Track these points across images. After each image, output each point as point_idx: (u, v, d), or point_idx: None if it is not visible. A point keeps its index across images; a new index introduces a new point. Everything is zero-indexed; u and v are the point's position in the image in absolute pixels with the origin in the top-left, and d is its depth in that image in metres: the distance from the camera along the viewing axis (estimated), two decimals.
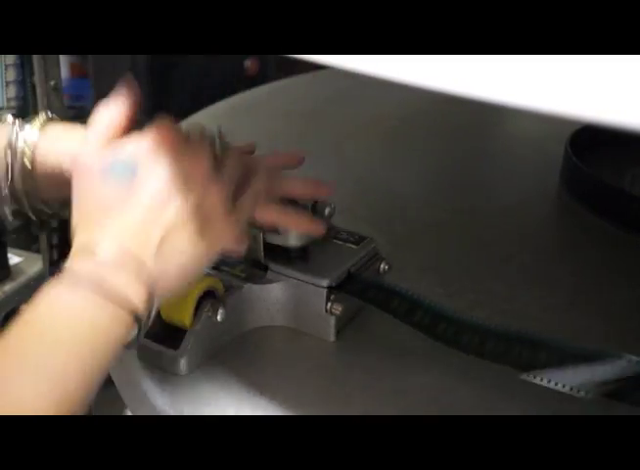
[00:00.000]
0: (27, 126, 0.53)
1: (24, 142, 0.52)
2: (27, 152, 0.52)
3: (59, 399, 0.40)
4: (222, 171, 0.49)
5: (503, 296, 0.70)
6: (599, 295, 0.71)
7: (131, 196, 0.46)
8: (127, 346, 0.45)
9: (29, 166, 0.52)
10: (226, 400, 0.55)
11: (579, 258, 0.78)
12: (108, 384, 0.48)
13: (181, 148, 0.48)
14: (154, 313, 0.46)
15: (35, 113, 0.95)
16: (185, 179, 0.47)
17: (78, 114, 1.49)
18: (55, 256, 1.01)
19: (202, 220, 0.47)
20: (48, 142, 0.53)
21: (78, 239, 0.45)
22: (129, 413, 0.62)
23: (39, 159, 0.52)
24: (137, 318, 0.43)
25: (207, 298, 0.58)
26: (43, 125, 0.54)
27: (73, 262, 0.44)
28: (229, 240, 0.50)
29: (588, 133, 0.92)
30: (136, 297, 0.44)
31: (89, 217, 0.46)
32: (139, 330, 0.45)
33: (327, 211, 0.63)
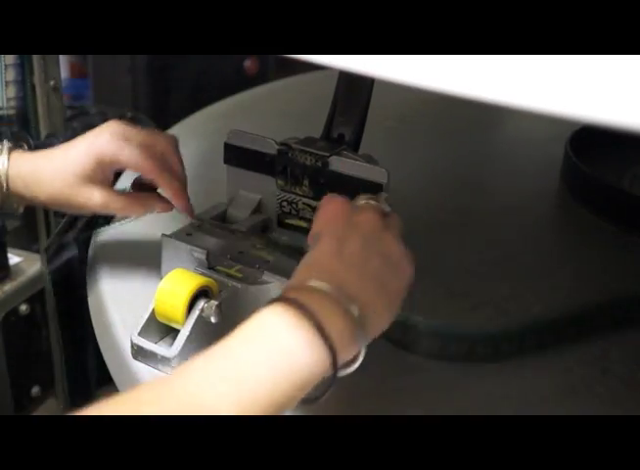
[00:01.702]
0: None
1: None
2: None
3: (243, 410, 0.42)
4: (390, 223, 0.54)
5: (504, 296, 0.70)
6: (600, 294, 0.71)
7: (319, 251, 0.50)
8: (315, 394, 0.46)
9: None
10: None
11: (580, 258, 0.78)
12: (108, 383, 0.48)
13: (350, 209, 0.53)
14: (352, 369, 0.47)
15: (35, 113, 0.96)
16: (372, 239, 0.50)
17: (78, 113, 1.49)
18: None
19: (394, 269, 0.50)
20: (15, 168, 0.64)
21: (303, 276, 0.47)
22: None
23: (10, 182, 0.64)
24: (334, 364, 0.44)
25: (202, 297, 0.58)
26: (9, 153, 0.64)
27: (289, 293, 0.45)
28: (411, 276, 0.52)
29: (588, 133, 0.92)
30: (340, 342, 0.44)
31: (318, 262, 0.49)
32: (333, 378, 0.45)
33: None
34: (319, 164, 0.65)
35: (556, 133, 0.93)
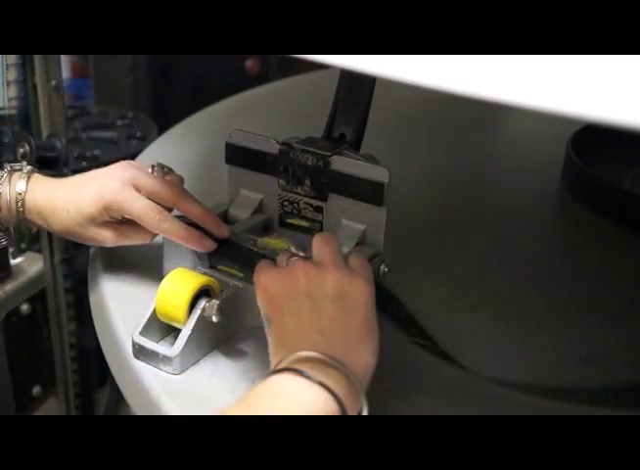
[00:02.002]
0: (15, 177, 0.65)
1: (15, 192, 0.65)
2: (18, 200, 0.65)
3: None
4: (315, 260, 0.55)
5: (505, 296, 0.70)
6: (601, 293, 0.71)
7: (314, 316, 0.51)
8: None
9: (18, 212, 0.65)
10: (229, 400, 0.55)
11: (581, 258, 0.78)
12: (110, 383, 0.48)
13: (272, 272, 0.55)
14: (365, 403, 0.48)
15: (37, 112, 0.95)
16: (308, 292, 0.52)
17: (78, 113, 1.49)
18: (56, 256, 1.01)
19: (345, 302, 0.52)
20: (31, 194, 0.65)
21: (282, 353, 0.49)
22: (132, 413, 0.62)
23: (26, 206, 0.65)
24: (343, 410, 0.46)
25: (203, 297, 0.58)
26: (29, 178, 0.66)
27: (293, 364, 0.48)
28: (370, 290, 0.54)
29: (590, 133, 0.92)
30: (337, 385, 0.46)
31: (285, 338, 0.51)
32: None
33: (381, 268, 0.64)
34: (320, 163, 0.65)
35: (557, 133, 0.93)
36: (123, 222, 0.65)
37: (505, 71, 0.31)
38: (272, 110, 1.16)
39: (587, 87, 0.29)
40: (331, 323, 0.50)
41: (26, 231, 0.68)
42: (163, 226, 0.63)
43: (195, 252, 0.64)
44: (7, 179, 0.65)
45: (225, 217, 0.70)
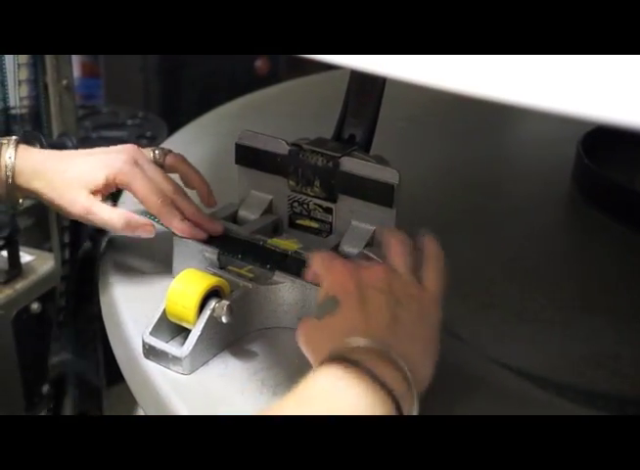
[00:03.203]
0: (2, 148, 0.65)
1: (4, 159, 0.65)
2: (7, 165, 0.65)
3: None
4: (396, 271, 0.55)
5: (515, 297, 0.70)
6: (611, 295, 0.71)
7: (348, 310, 0.51)
8: None
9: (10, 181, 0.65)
10: (238, 401, 0.55)
11: (591, 259, 0.78)
12: (120, 382, 0.48)
13: (353, 267, 0.54)
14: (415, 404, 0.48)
15: (48, 112, 0.96)
16: (389, 292, 0.52)
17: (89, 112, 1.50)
18: (66, 254, 1.01)
19: (421, 315, 0.53)
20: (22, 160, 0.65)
21: (325, 356, 0.48)
22: (141, 413, 0.62)
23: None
24: (396, 401, 0.45)
25: (213, 297, 0.58)
26: (16, 146, 0.66)
27: (345, 354, 0.47)
28: (438, 314, 0.55)
29: (600, 134, 0.92)
30: (394, 381, 0.46)
31: (322, 344, 0.51)
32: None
33: None
34: (330, 164, 0.65)
35: (567, 134, 0.92)
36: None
37: (515, 72, 0.31)
38: (282, 110, 1.16)
39: (598, 88, 0.29)
40: (404, 330, 0.50)
41: (14, 203, 0.67)
42: (163, 210, 0.64)
43: (205, 252, 0.64)
44: None
45: (235, 218, 0.70)
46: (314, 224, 0.68)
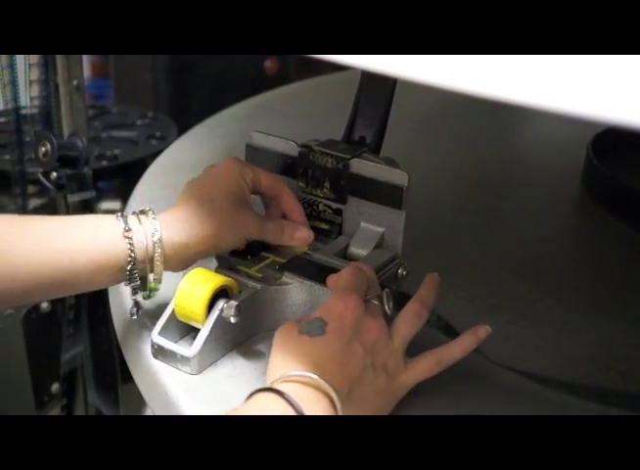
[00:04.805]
0: (144, 219, 0.57)
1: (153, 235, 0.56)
2: (157, 245, 0.56)
3: None
4: (393, 331, 0.54)
5: (524, 299, 0.69)
6: (621, 297, 0.70)
7: (325, 343, 0.51)
8: None
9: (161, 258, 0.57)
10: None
11: (601, 261, 0.78)
12: (129, 383, 0.49)
13: (361, 311, 0.53)
14: None
15: (58, 112, 0.96)
16: (371, 352, 0.52)
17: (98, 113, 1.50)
18: None
19: (385, 373, 0.53)
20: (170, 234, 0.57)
21: (275, 374, 0.50)
22: (150, 413, 0.62)
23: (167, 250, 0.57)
24: None
25: (222, 297, 0.58)
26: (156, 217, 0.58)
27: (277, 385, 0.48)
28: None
29: (610, 136, 0.92)
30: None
31: (288, 359, 0.50)
32: None
33: (400, 271, 0.64)
34: (340, 166, 0.65)
35: (577, 136, 0.92)
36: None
37: (526, 73, 0.31)
38: (292, 111, 1.16)
39: (609, 90, 0.29)
40: (359, 389, 0.51)
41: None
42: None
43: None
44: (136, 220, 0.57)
45: None
46: (324, 225, 0.68)
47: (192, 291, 0.58)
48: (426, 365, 0.54)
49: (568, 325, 0.66)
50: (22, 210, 1.11)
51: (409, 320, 0.55)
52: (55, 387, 1.10)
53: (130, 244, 0.55)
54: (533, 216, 0.86)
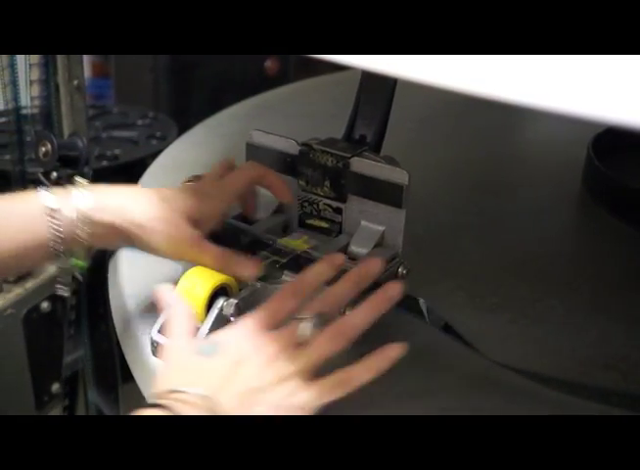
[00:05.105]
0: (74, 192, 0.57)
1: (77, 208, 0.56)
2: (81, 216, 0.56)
3: None
4: (302, 354, 0.52)
5: (525, 299, 0.69)
6: (621, 298, 0.70)
7: (216, 361, 0.51)
8: None
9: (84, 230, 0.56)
10: None
11: (601, 261, 0.78)
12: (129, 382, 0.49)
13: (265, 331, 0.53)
14: None
15: (59, 112, 0.96)
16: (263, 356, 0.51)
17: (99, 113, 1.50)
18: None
19: (281, 392, 0.51)
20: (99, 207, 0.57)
21: (159, 388, 0.50)
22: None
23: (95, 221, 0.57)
24: None
25: (221, 295, 0.58)
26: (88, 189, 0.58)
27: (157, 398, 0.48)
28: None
29: (611, 136, 0.92)
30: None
31: (171, 375, 0.51)
32: None
33: (400, 270, 0.64)
34: (340, 165, 0.65)
35: (578, 136, 0.92)
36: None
37: (525, 73, 0.31)
38: (292, 111, 1.16)
39: (610, 90, 0.29)
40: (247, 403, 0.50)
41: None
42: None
43: None
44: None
45: (245, 217, 0.70)
46: (324, 224, 0.68)
47: (191, 289, 0.58)
48: (328, 387, 0.52)
49: (568, 325, 0.66)
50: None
51: (321, 344, 0.53)
52: (55, 387, 1.10)
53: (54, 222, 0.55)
54: (534, 216, 0.86)
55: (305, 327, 0.53)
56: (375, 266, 0.58)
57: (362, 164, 0.64)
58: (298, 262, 0.63)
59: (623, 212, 0.84)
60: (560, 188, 0.94)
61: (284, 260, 0.63)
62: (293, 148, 0.67)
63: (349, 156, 0.64)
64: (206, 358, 0.51)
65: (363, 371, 0.53)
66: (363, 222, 0.66)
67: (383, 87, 0.67)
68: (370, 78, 0.67)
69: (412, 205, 0.63)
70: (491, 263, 0.76)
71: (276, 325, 0.54)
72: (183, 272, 0.60)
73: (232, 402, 0.49)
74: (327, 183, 0.66)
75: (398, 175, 0.62)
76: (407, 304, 0.60)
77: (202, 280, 0.58)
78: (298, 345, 0.52)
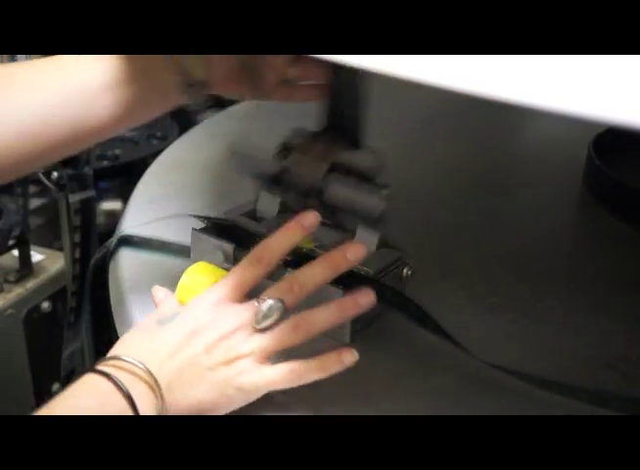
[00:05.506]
0: None
1: None
2: None
3: None
4: (260, 337, 0.52)
5: (525, 299, 0.69)
6: (621, 297, 0.70)
7: (164, 332, 0.52)
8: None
9: None
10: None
11: (602, 261, 0.78)
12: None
13: (221, 307, 0.53)
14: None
15: None
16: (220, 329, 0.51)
17: None
18: (77, 254, 1.02)
19: (227, 371, 0.51)
20: None
21: (113, 352, 0.51)
22: None
23: None
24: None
25: None
26: None
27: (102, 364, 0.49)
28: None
29: (612, 136, 0.92)
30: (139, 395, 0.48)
31: (124, 343, 0.52)
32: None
33: (405, 272, 0.64)
34: (315, 189, 0.65)
35: (578, 136, 0.92)
36: None
37: (525, 73, 0.31)
38: (292, 111, 1.15)
39: (610, 90, 0.29)
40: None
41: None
42: None
43: (222, 248, 0.64)
44: None
45: (253, 215, 0.70)
46: (327, 221, 0.68)
47: (192, 286, 0.58)
48: (278, 375, 0.51)
49: (568, 324, 0.66)
50: (24, 210, 1.12)
51: (281, 333, 0.52)
52: (55, 386, 1.10)
53: None
54: (534, 216, 0.86)
55: (267, 307, 0.52)
56: (356, 251, 0.56)
57: (335, 192, 0.64)
58: (302, 260, 0.63)
59: (624, 212, 0.84)
60: (560, 188, 0.94)
61: (289, 258, 0.63)
62: (271, 168, 0.67)
63: (321, 181, 0.64)
64: (162, 327, 0.51)
65: (316, 369, 0.52)
66: (360, 227, 0.66)
67: (350, 82, 0.67)
68: (335, 76, 0.67)
69: (412, 205, 0.63)
70: (491, 263, 0.76)
71: (241, 296, 0.54)
72: (184, 270, 0.60)
73: (172, 375, 0.49)
74: (309, 201, 0.66)
75: (372, 204, 0.62)
76: (403, 306, 0.60)
77: (203, 277, 0.58)
78: (259, 329, 0.52)
